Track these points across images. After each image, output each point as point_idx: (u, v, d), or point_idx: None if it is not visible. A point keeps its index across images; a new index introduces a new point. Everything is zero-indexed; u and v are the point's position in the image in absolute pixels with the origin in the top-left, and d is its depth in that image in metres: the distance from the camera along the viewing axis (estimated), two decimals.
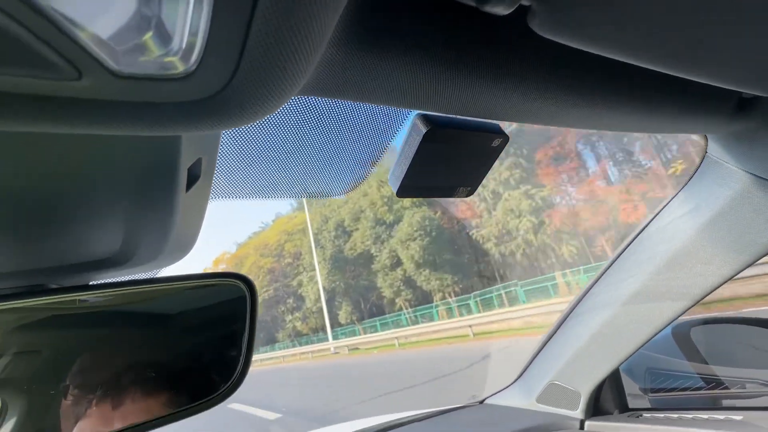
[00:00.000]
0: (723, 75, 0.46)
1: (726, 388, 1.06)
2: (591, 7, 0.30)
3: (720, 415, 1.01)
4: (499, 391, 1.42)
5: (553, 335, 1.21)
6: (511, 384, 1.38)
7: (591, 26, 0.32)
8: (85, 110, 0.21)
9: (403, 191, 0.52)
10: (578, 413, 1.13)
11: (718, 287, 0.87)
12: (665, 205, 0.88)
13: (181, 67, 0.20)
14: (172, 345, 0.42)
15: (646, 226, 0.92)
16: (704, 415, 1.02)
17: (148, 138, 0.27)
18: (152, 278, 0.42)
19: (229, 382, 0.41)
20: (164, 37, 0.20)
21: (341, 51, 0.30)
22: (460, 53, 0.34)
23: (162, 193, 0.32)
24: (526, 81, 0.40)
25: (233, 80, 0.22)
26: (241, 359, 0.41)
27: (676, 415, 1.07)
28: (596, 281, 1.06)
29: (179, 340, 0.42)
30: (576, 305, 1.14)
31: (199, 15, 0.19)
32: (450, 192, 0.57)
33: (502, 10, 0.29)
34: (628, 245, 0.97)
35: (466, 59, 0.35)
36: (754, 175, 0.71)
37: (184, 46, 0.20)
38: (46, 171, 0.29)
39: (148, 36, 0.19)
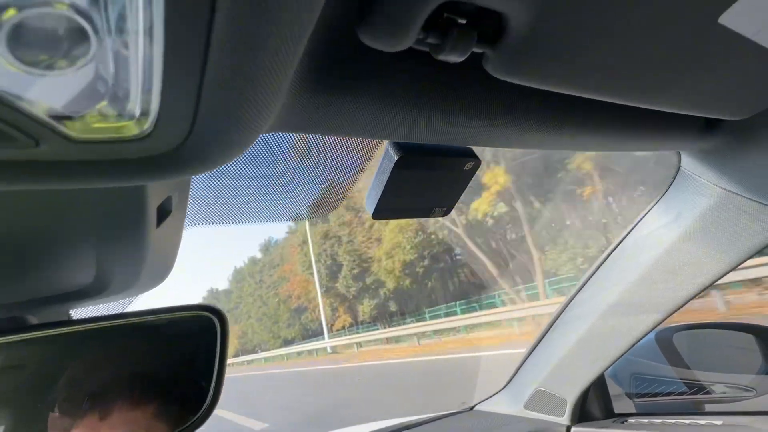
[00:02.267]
0: (686, 103, 0.48)
1: (708, 392, 1.08)
2: (543, 52, 0.32)
3: (701, 420, 1.03)
4: (488, 398, 1.43)
5: (539, 342, 1.23)
6: (501, 390, 1.39)
7: (544, 70, 0.34)
8: (45, 171, 0.22)
9: (379, 214, 0.53)
10: (564, 419, 1.15)
11: (696, 296, 0.89)
12: (642, 217, 0.90)
13: (137, 130, 0.22)
14: (149, 374, 0.43)
15: (625, 237, 0.94)
16: (686, 420, 1.04)
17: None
18: (126, 313, 0.43)
19: (198, 414, 0.42)
20: (118, 104, 0.21)
21: (304, 97, 0.31)
22: (422, 94, 0.36)
23: (131, 230, 0.33)
24: (489, 113, 0.41)
25: (190, 137, 0.23)
26: (211, 390, 0.42)
27: (659, 421, 1.08)
28: (579, 290, 1.08)
29: (157, 369, 0.44)
30: (561, 313, 1.15)
31: (150, 81, 0.20)
32: (426, 213, 0.58)
33: (455, 59, 0.30)
34: (608, 255, 0.99)
35: (429, 100, 0.36)
36: (725, 189, 0.73)
37: (138, 111, 0.21)
38: (15, 213, 0.30)
39: (103, 104, 0.20)
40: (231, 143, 0.26)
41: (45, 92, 0.19)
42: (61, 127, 0.20)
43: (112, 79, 0.20)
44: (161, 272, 0.43)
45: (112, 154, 0.22)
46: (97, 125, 0.21)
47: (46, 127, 0.19)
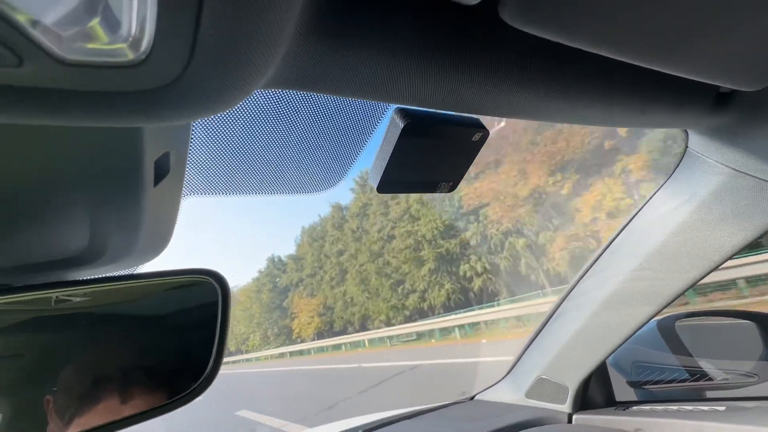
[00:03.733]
0: (699, 69, 0.46)
1: (710, 379, 1.08)
2: None
3: (704, 407, 1.02)
4: (489, 387, 1.43)
5: (541, 330, 1.22)
6: (501, 379, 1.39)
7: (563, 17, 0.32)
8: (28, 98, 0.20)
9: (384, 187, 0.51)
10: (566, 407, 1.14)
11: (701, 280, 0.88)
12: (648, 200, 0.89)
13: (131, 55, 0.20)
14: (147, 341, 0.42)
15: (630, 221, 0.93)
16: (689, 406, 1.04)
17: (108, 131, 0.26)
18: (123, 275, 0.41)
19: (200, 380, 0.40)
20: (112, 22, 0.19)
21: (309, 43, 0.29)
22: (432, 44, 0.34)
23: (127, 188, 0.31)
24: (500, 72, 0.40)
25: (188, 69, 0.21)
26: (213, 355, 0.40)
27: (661, 407, 1.08)
28: (582, 276, 1.07)
29: (154, 337, 0.42)
30: (563, 300, 1.14)
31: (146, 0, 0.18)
32: (432, 187, 0.56)
33: (471, 0, 0.29)
34: (612, 241, 0.98)
35: (439, 50, 0.35)
36: (733, 169, 0.72)
37: (133, 32, 0.19)
38: (3, 170, 0.28)
39: (95, 21, 0.19)
40: (229, 84, 0.24)
41: (32, 2, 0.17)
42: (48, 43, 0.18)
43: None
44: (159, 240, 0.41)
45: (103, 84, 0.21)
46: (89, 45, 0.19)
47: (33, 41, 0.18)
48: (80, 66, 0.19)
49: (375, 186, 0.51)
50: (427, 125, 0.47)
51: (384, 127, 0.49)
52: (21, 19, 0.17)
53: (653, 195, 0.88)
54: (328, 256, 33.05)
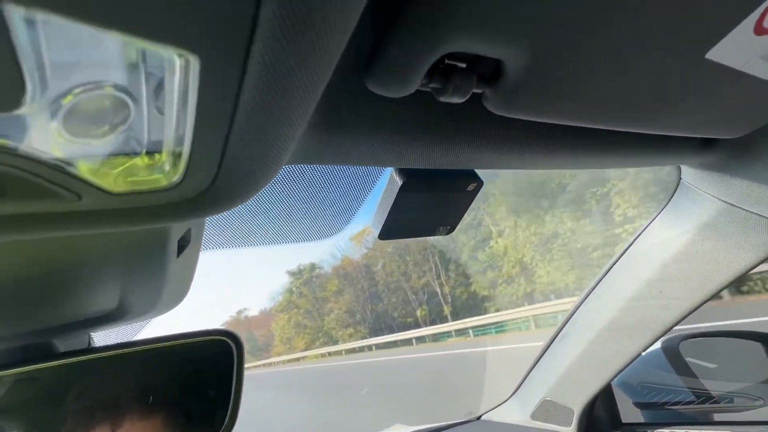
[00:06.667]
0: (680, 127, 0.49)
1: (716, 402, 1.08)
2: (540, 90, 0.34)
3: (710, 430, 1.02)
4: (495, 407, 1.43)
5: (545, 352, 1.23)
6: (507, 399, 1.39)
7: (541, 105, 0.35)
8: (84, 220, 0.24)
9: (385, 235, 0.55)
10: (571, 429, 1.15)
11: (701, 305, 0.90)
12: (645, 228, 0.91)
13: (166, 182, 0.24)
14: (168, 396, 0.45)
15: (628, 248, 0.95)
16: (694, 430, 1.04)
17: None
18: (147, 339, 0.45)
19: None
20: (152, 159, 0.23)
21: (314, 135, 0.33)
22: (427, 130, 0.38)
23: (153, 262, 0.35)
24: (495, 143, 0.43)
25: (216, 181, 0.25)
26: (229, 411, 0.44)
27: (667, 431, 1.08)
28: (584, 299, 1.09)
29: (174, 392, 0.45)
30: (566, 322, 1.16)
31: (181, 140, 0.22)
32: (431, 232, 0.60)
33: (457, 100, 0.32)
34: (612, 266, 0.99)
35: (434, 133, 0.38)
36: (726, 202, 0.74)
37: (168, 167, 0.23)
38: (46, 246, 0.32)
39: (138, 160, 0.23)
40: (251, 185, 0.28)
41: (86, 153, 0.21)
42: (101, 184, 0.22)
43: (147, 138, 0.22)
44: (178, 297, 0.45)
45: (145, 203, 0.25)
46: (131, 179, 0.23)
47: (89, 184, 0.22)
48: (126, 194, 0.23)
49: (377, 235, 0.55)
50: (424, 181, 0.50)
51: (384, 180, 0.53)
52: (78, 170, 0.21)
53: (650, 223, 0.90)
54: None
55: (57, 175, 0.20)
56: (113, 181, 0.22)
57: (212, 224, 0.47)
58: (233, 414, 0.43)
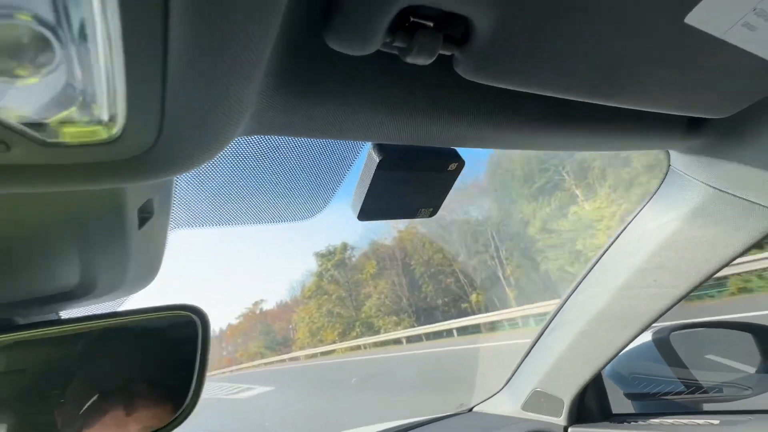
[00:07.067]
0: (666, 103, 0.48)
1: (705, 392, 1.08)
2: (511, 54, 0.32)
3: (699, 420, 1.02)
4: (487, 399, 1.43)
5: (536, 343, 1.23)
6: (499, 391, 1.39)
7: (513, 70, 0.34)
8: (16, 174, 0.22)
9: (364, 215, 0.54)
10: (562, 420, 1.15)
11: (690, 293, 0.89)
12: (635, 216, 0.90)
13: (105, 134, 0.22)
14: (134, 370, 0.44)
15: (618, 236, 0.94)
16: (684, 419, 1.04)
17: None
18: (111, 313, 0.44)
19: (180, 410, 0.43)
20: (87, 109, 0.22)
21: (276, 100, 0.32)
22: (392, 92, 0.36)
23: (112, 232, 0.34)
24: (469, 114, 0.42)
25: (158, 141, 0.24)
26: (192, 387, 0.43)
27: (657, 420, 1.08)
28: (574, 290, 1.08)
29: (141, 366, 0.45)
30: (557, 313, 1.15)
31: (114, 86, 0.21)
32: (412, 213, 0.59)
33: (423, 61, 0.31)
34: (602, 255, 0.99)
35: (402, 100, 0.37)
36: (714, 188, 0.73)
37: (106, 116, 0.22)
38: (1, 219, 0.30)
39: (72, 110, 0.21)
40: (200, 147, 0.27)
41: (15, 99, 0.20)
42: (32, 133, 0.21)
43: (80, 86, 0.21)
44: (147, 274, 0.44)
45: (82, 158, 0.23)
46: (67, 129, 0.22)
47: (17, 132, 0.20)
48: (62, 146, 0.22)
49: (356, 215, 0.53)
50: (403, 158, 0.49)
51: (364, 155, 0.52)
52: (4, 115, 0.20)
53: (640, 211, 0.89)
54: None
55: None
56: (46, 130, 0.21)
57: (183, 203, 0.46)
58: (196, 392, 0.42)
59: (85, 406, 0.42)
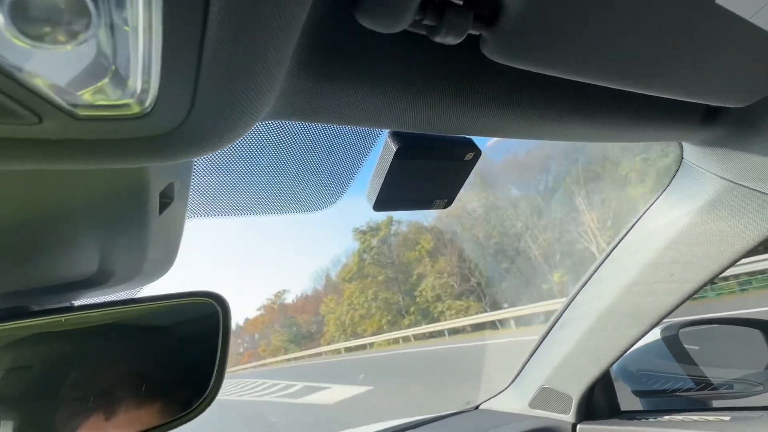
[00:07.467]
0: (685, 90, 0.48)
1: (715, 388, 1.07)
2: (540, 34, 0.32)
3: (709, 416, 1.02)
4: (494, 396, 1.43)
5: (544, 340, 1.22)
6: (506, 388, 1.39)
7: (541, 52, 0.34)
8: (47, 149, 0.22)
9: (380, 206, 0.53)
10: (570, 417, 1.14)
11: (702, 287, 0.89)
12: (647, 210, 0.89)
13: (137, 108, 0.22)
14: (153, 359, 0.43)
15: (629, 231, 0.94)
16: (694, 416, 1.03)
17: (115, 168, 0.29)
18: (129, 299, 0.43)
19: (202, 398, 0.42)
20: (120, 81, 0.21)
21: (302, 82, 0.32)
22: (418, 76, 0.36)
23: (133, 218, 0.33)
24: (489, 99, 0.41)
25: (189, 117, 0.24)
26: (214, 375, 0.42)
27: (666, 417, 1.07)
28: (583, 285, 1.08)
29: (160, 356, 0.44)
30: (565, 309, 1.15)
31: (150, 59, 0.20)
32: (427, 204, 0.58)
33: (452, 41, 0.30)
34: (612, 251, 0.98)
35: (425, 81, 0.36)
36: (728, 180, 0.72)
37: (139, 89, 0.21)
38: (17, 201, 0.30)
39: (104, 82, 0.21)
40: (229, 126, 0.26)
41: (49, 68, 0.19)
42: (64, 104, 0.20)
43: (114, 57, 0.20)
44: (165, 262, 0.43)
45: (113, 133, 0.23)
46: (99, 102, 0.21)
47: (51, 103, 0.20)
48: (92, 120, 0.21)
49: (371, 205, 0.53)
50: (419, 147, 0.49)
51: (380, 147, 0.51)
52: (39, 83, 0.19)
53: (652, 204, 0.89)
54: None
55: (13, 87, 0.18)
56: (78, 101, 0.21)
57: (200, 191, 0.46)
58: (218, 378, 0.42)
59: (96, 401, 0.41)
